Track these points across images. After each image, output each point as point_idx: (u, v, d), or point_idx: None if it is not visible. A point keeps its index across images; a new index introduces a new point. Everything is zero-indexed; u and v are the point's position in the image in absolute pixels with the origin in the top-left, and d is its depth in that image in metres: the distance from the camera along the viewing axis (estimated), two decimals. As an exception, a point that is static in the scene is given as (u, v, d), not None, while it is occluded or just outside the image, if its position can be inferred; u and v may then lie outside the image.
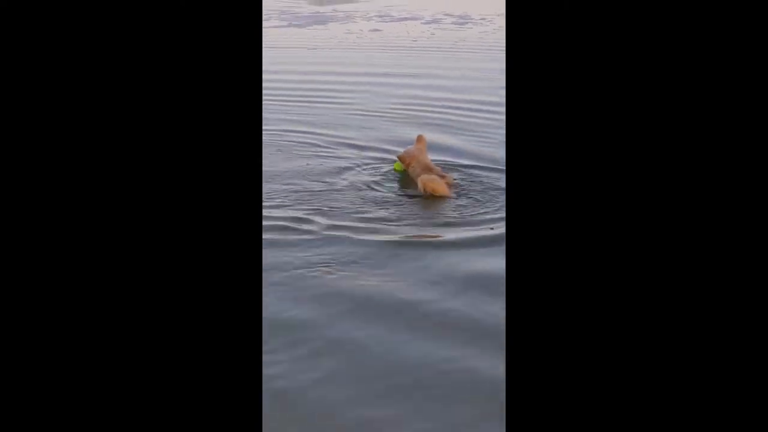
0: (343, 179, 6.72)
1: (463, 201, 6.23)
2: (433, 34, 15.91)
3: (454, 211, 6.02)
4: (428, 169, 6.42)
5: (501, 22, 16.98)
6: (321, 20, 17.93)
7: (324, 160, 7.33)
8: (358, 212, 5.91)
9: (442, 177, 6.38)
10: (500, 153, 6.99)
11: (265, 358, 2.73)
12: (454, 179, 6.55)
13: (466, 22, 17.28)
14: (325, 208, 5.95)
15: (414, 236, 5.52)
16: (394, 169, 6.82)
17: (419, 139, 6.83)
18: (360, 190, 6.44)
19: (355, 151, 7.63)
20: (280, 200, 6.18)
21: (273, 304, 4.33)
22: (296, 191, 6.37)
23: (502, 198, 6.02)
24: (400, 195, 6.36)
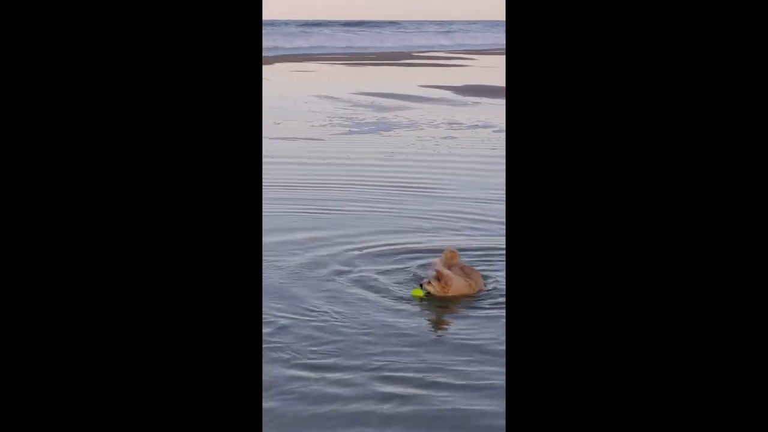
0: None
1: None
2: (510, 141, 14.71)
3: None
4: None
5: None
6: (386, 127, 16.88)
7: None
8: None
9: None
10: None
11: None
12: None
13: (543, 131, 16.09)
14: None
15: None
16: (414, 296, 6.34)
17: (453, 254, 6.74)
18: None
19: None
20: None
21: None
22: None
23: None
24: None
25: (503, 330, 5.67)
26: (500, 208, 9.25)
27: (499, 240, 7.93)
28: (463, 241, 7.98)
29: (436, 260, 6.58)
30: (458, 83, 27.20)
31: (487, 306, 6.22)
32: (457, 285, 6.34)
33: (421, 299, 6.31)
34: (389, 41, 56.10)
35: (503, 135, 15.65)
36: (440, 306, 6.20)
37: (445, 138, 15.32)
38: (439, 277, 6.27)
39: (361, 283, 6.70)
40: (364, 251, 7.58)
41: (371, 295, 6.42)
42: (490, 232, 8.37)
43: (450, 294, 6.28)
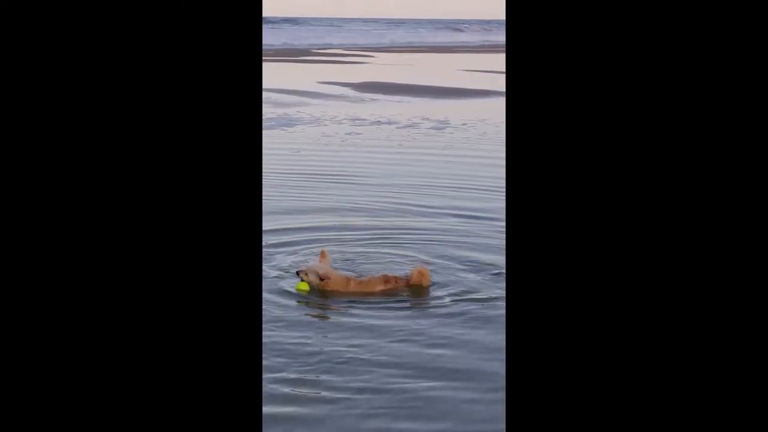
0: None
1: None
2: (415, 138, 14.70)
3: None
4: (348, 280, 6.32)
5: (484, 127, 15.96)
6: (288, 123, 16.63)
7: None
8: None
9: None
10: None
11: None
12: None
13: (445, 127, 16.11)
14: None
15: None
16: (298, 289, 6.21)
17: (323, 254, 6.40)
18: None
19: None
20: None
21: None
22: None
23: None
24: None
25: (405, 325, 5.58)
26: (421, 195, 9.54)
27: (411, 222, 8.03)
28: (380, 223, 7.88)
29: (315, 263, 6.35)
30: (356, 80, 27.11)
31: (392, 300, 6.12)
32: (337, 280, 6.22)
33: (307, 293, 6.18)
34: (287, 38, 55.62)
35: (407, 131, 15.63)
36: (329, 299, 6.09)
37: (350, 134, 15.18)
38: (321, 277, 6.16)
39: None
40: (270, 241, 7.35)
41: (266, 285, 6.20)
42: (411, 216, 8.28)
43: (329, 288, 6.16)
